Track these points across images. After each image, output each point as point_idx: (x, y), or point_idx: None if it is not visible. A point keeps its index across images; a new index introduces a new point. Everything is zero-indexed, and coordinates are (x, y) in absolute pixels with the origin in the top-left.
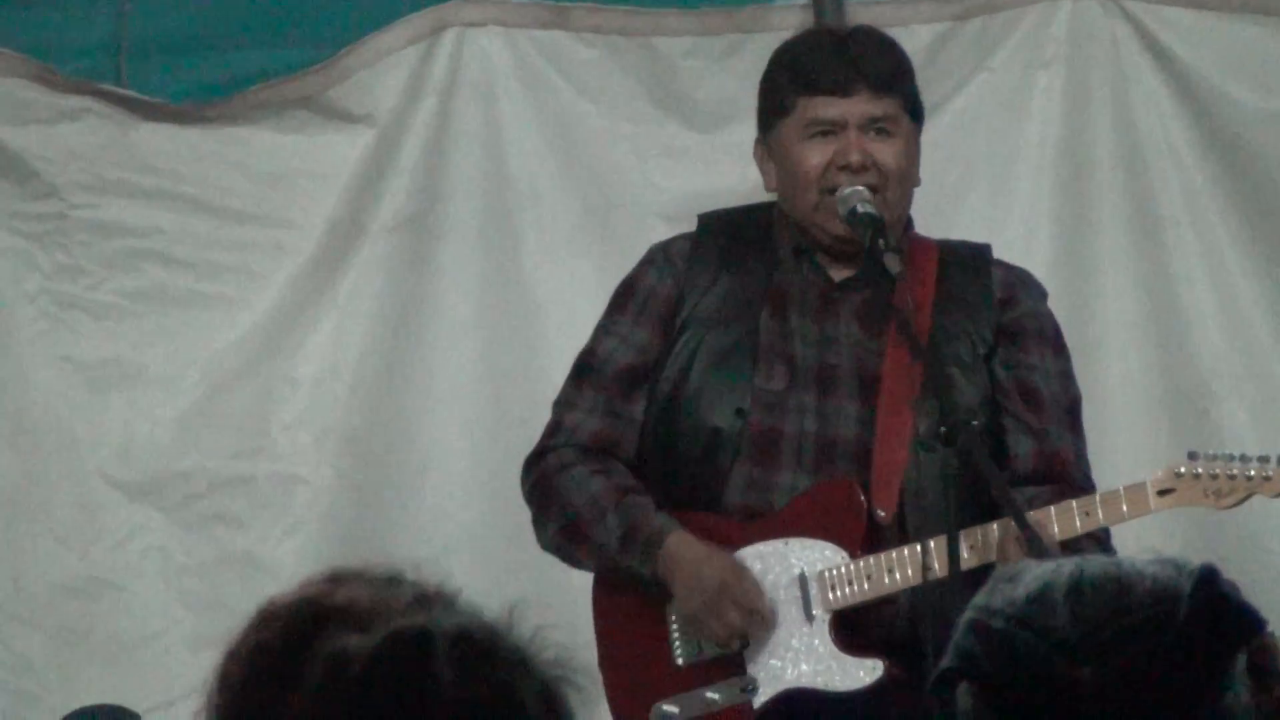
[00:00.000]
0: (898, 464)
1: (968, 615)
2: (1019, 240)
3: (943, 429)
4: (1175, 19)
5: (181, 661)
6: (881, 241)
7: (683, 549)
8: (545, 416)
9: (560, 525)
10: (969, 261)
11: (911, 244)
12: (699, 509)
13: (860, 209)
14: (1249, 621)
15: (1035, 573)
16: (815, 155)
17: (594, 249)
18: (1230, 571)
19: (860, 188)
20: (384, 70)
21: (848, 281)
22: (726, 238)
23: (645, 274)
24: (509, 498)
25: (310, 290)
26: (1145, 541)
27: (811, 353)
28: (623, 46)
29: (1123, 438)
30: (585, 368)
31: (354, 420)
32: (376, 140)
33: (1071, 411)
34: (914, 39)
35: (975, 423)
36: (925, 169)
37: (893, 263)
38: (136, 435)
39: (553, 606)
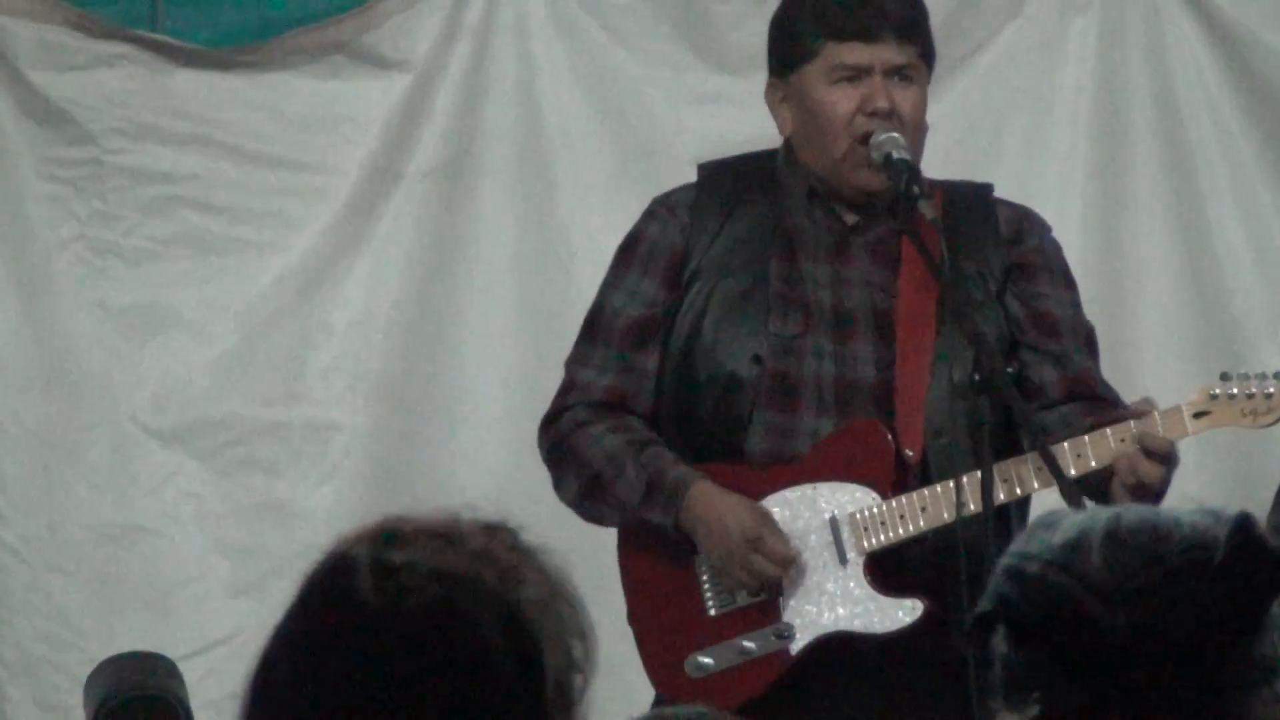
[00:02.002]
0: (919, 403)
1: (1004, 561)
2: (1054, 185)
3: (976, 376)
4: None
5: (217, 608)
6: (916, 188)
7: (707, 498)
8: None
9: (581, 483)
10: (973, 202)
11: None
12: (719, 458)
13: (895, 154)
14: None
15: (1073, 520)
16: (842, 100)
17: (629, 194)
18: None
19: (895, 135)
20: (419, 15)
21: (859, 224)
22: (728, 186)
23: (649, 227)
24: None
25: (345, 236)
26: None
27: (826, 296)
28: None
29: (1156, 379)
30: (594, 324)
31: (389, 366)
32: (412, 85)
33: (1089, 339)
34: None
35: (1011, 369)
36: (961, 114)
37: (927, 209)
38: (171, 381)
39: (586, 553)
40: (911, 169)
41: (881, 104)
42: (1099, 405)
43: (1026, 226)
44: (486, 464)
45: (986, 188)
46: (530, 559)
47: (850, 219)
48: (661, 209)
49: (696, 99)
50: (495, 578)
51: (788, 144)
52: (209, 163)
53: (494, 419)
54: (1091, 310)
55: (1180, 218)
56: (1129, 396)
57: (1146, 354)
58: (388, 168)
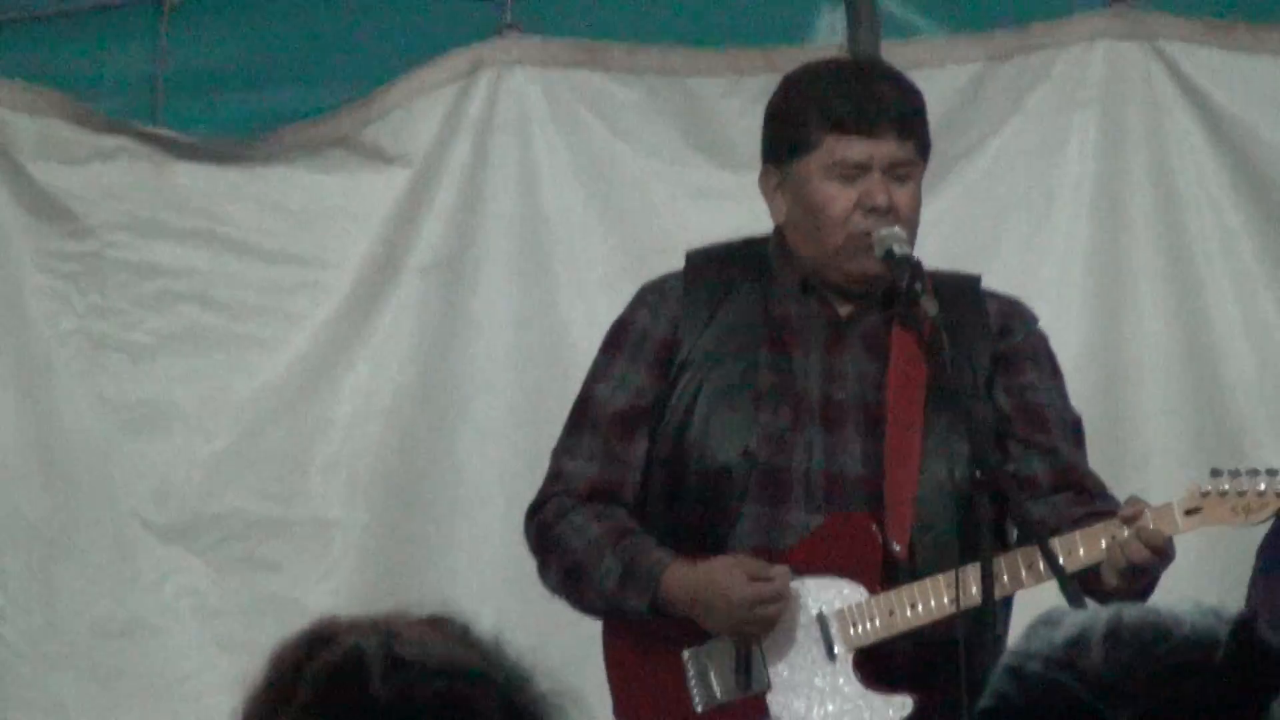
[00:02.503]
0: (908, 498)
1: (1005, 659)
2: (1055, 280)
3: (978, 473)
4: (1210, 60)
5: (216, 705)
6: (919, 285)
7: (685, 577)
8: None
9: (562, 570)
10: (962, 293)
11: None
12: (706, 552)
13: (898, 250)
14: None
15: (1074, 618)
16: (841, 196)
17: (629, 290)
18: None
19: (897, 229)
20: (420, 110)
21: (853, 314)
22: (717, 273)
23: (638, 315)
24: None
25: (346, 331)
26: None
27: (816, 387)
28: (658, 87)
29: (1155, 472)
30: (582, 413)
31: (389, 462)
32: (412, 180)
33: (1076, 429)
34: (950, 79)
35: (1011, 467)
36: (962, 208)
37: (930, 305)
38: (171, 477)
39: (586, 649)
40: (914, 265)
41: (880, 201)
42: (1087, 497)
43: (1014, 318)
44: (486, 559)
45: (974, 279)
46: (526, 658)
47: (844, 310)
48: (651, 296)
49: (698, 194)
50: (503, 674)
51: (779, 231)
52: (209, 257)
53: (494, 513)
54: (1091, 403)
55: (1180, 313)
56: (1128, 489)
57: (1146, 447)
58: (388, 262)
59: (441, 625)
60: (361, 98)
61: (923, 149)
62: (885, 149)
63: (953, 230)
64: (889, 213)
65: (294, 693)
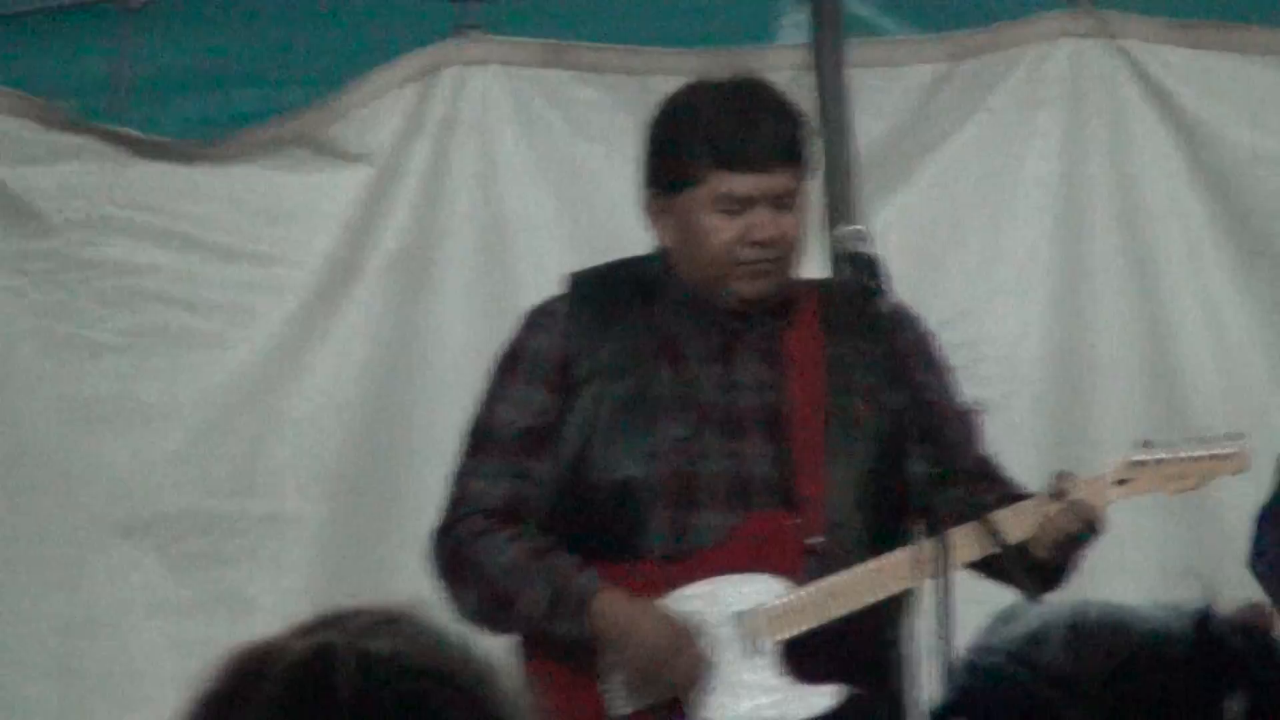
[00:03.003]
0: (819, 495)
1: (965, 653)
2: (1016, 278)
3: (932, 472)
4: (1173, 59)
5: (171, 701)
6: (875, 283)
7: (615, 609)
8: None
9: (482, 594)
10: (851, 296)
11: (797, 287)
12: (618, 560)
13: (857, 248)
14: (1247, 665)
15: (1034, 613)
16: (726, 229)
17: None
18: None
19: (857, 228)
20: (382, 109)
21: (744, 327)
22: (603, 293)
23: (531, 337)
24: None
25: (306, 329)
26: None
27: (717, 398)
28: (621, 85)
29: None
30: (483, 436)
31: (346, 459)
32: (374, 178)
33: (975, 423)
34: (913, 78)
35: (963, 467)
36: (924, 206)
37: (884, 304)
38: (130, 474)
39: None
40: (873, 263)
41: (767, 235)
42: (996, 482)
43: (903, 319)
44: None
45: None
46: (493, 655)
47: (734, 324)
48: (541, 319)
49: None
50: (471, 673)
51: (663, 253)
52: (171, 255)
53: None
54: (1051, 401)
55: (1140, 310)
56: None
57: (1106, 444)
58: (350, 260)
59: (410, 622)
60: (324, 98)
61: (805, 171)
62: (770, 182)
63: (915, 228)
64: (775, 244)
65: (256, 690)
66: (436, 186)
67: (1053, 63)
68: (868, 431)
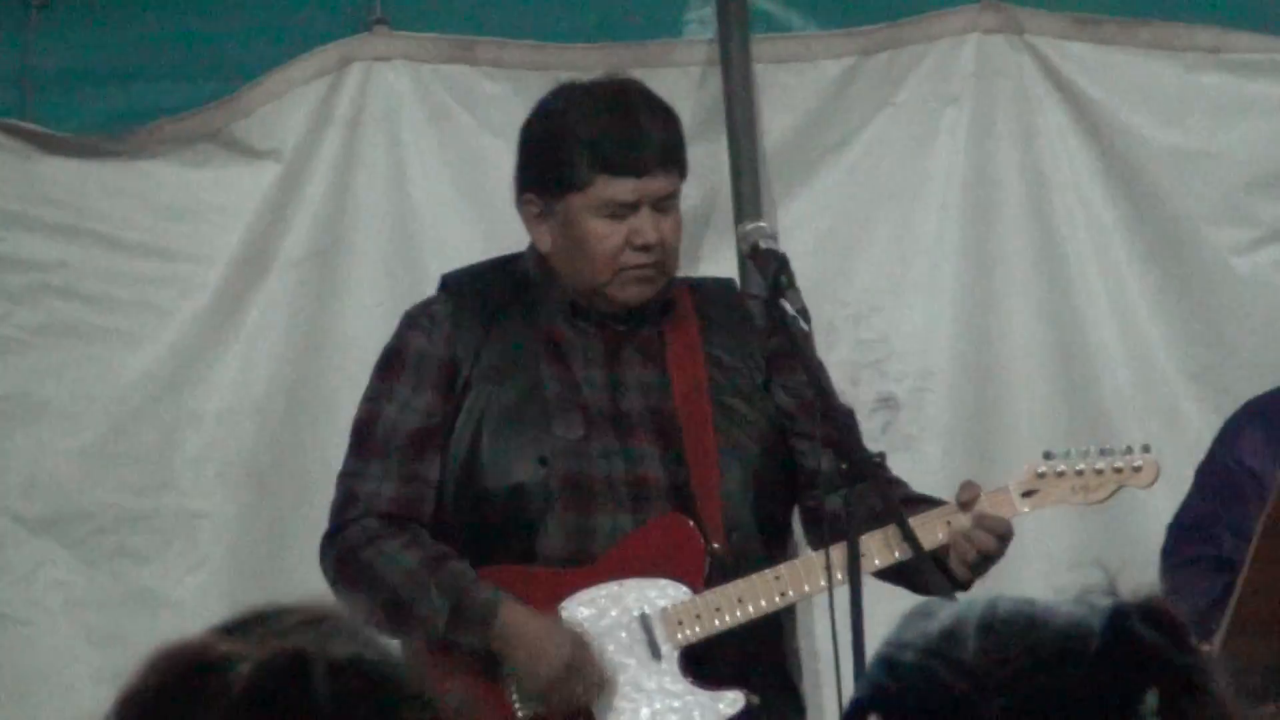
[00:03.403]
0: (716, 500)
1: (879, 649)
2: (925, 273)
3: (844, 465)
4: (1080, 54)
5: (85, 697)
6: (784, 277)
7: (518, 624)
8: None
9: (377, 604)
10: (724, 297)
11: (672, 291)
12: (509, 562)
13: (763, 244)
14: (1160, 660)
15: (948, 610)
16: (611, 234)
17: None
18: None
19: (763, 224)
20: (289, 104)
21: (626, 330)
22: (481, 295)
23: (413, 338)
24: None
25: (215, 325)
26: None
27: (603, 400)
28: (528, 81)
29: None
30: (368, 436)
31: (259, 455)
32: (282, 174)
33: (851, 419)
34: (820, 73)
35: (877, 456)
36: (832, 203)
37: (795, 299)
38: (40, 470)
39: None
40: (780, 259)
41: (650, 238)
42: (886, 483)
43: (776, 315)
44: None
45: (731, 282)
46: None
47: (617, 325)
48: (423, 318)
49: None
50: (416, 675)
51: (540, 254)
52: (77, 251)
53: None
54: (961, 394)
55: (1050, 304)
56: (998, 479)
57: (1016, 438)
58: (257, 256)
59: (346, 623)
60: (231, 93)
61: (683, 172)
62: (652, 185)
63: (824, 223)
64: (656, 246)
65: (214, 698)
66: (344, 182)
67: (960, 58)
68: (752, 431)
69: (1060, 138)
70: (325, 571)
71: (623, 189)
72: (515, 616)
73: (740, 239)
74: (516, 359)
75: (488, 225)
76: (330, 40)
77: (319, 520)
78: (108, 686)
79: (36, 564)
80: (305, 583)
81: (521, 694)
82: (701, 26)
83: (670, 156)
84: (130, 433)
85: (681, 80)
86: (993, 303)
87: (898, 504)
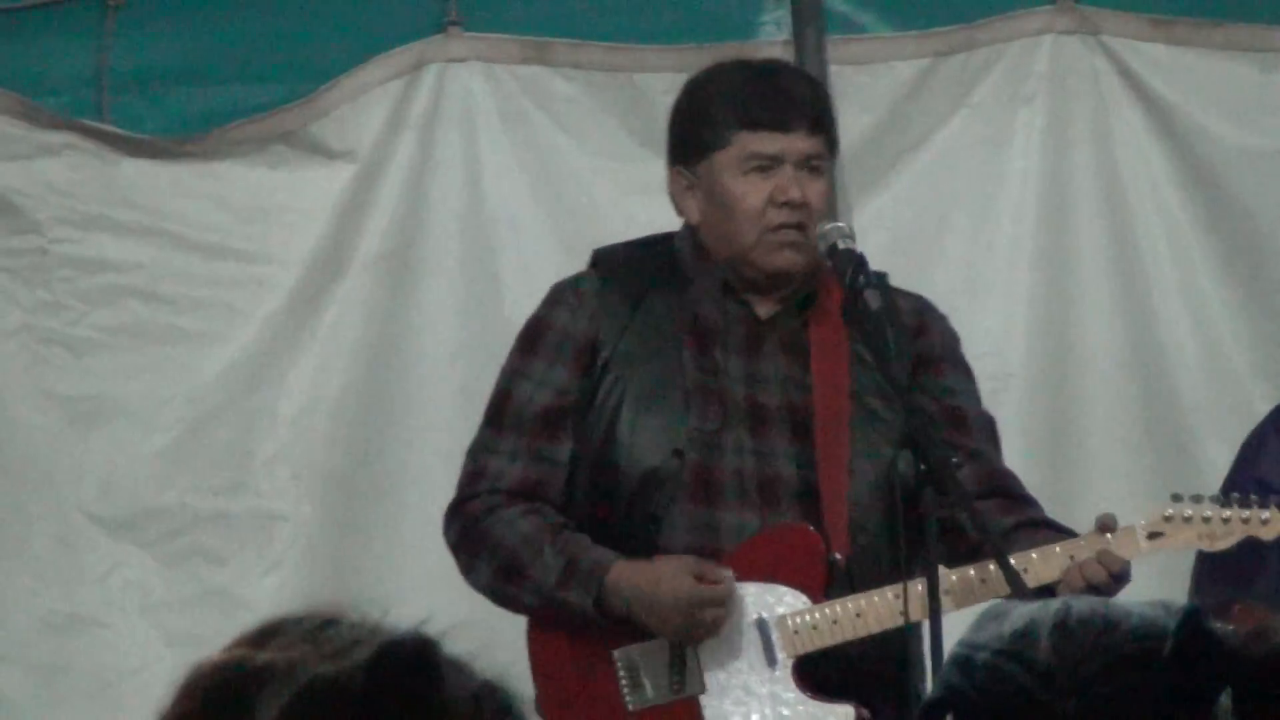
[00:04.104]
0: (843, 504)
1: (954, 650)
2: (1001, 274)
3: (923, 467)
4: (1155, 55)
5: (161, 698)
6: (862, 278)
7: (633, 569)
8: None
9: (495, 566)
10: (875, 289)
11: (822, 277)
12: (636, 552)
13: (841, 244)
14: (1233, 662)
15: (1022, 610)
16: (753, 191)
17: None
18: None
19: (841, 224)
20: (365, 106)
21: (773, 317)
22: (631, 273)
23: (556, 314)
24: None
25: (291, 326)
26: None
27: (741, 390)
28: (603, 82)
29: (1102, 473)
30: (501, 411)
31: (334, 456)
32: (357, 175)
33: (993, 431)
34: (896, 75)
35: (956, 459)
36: (907, 204)
37: (873, 299)
38: (117, 471)
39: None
40: (859, 259)
41: (794, 195)
42: (1016, 504)
43: (928, 316)
44: (431, 553)
45: (883, 276)
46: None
47: (763, 311)
48: (569, 294)
49: (641, 189)
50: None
51: (692, 232)
52: (154, 252)
53: (438, 507)
54: (1037, 396)
55: (1126, 307)
56: (1074, 481)
57: (1092, 447)
58: (333, 257)
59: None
60: (307, 95)
61: (831, 144)
62: (797, 143)
63: (898, 224)
64: (802, 206)
65: (348, 684)
66: (419, 183)
67: (1035, 59)
68: (889, 434)
69: (1135, 138)
70: (447, 539)
71: (764, 142)
72: (625, 569)
73: (819, 238)
74: (659, 342)
75: (562, 225)
76: (405, 42)
77: (393, 519)
78: None
79: (113, 565)
80: (380, 582)
81: (630, 679)
82: (777, 28)
83: (817, 119)
84: (206, 434)
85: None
86: (1068, 304)
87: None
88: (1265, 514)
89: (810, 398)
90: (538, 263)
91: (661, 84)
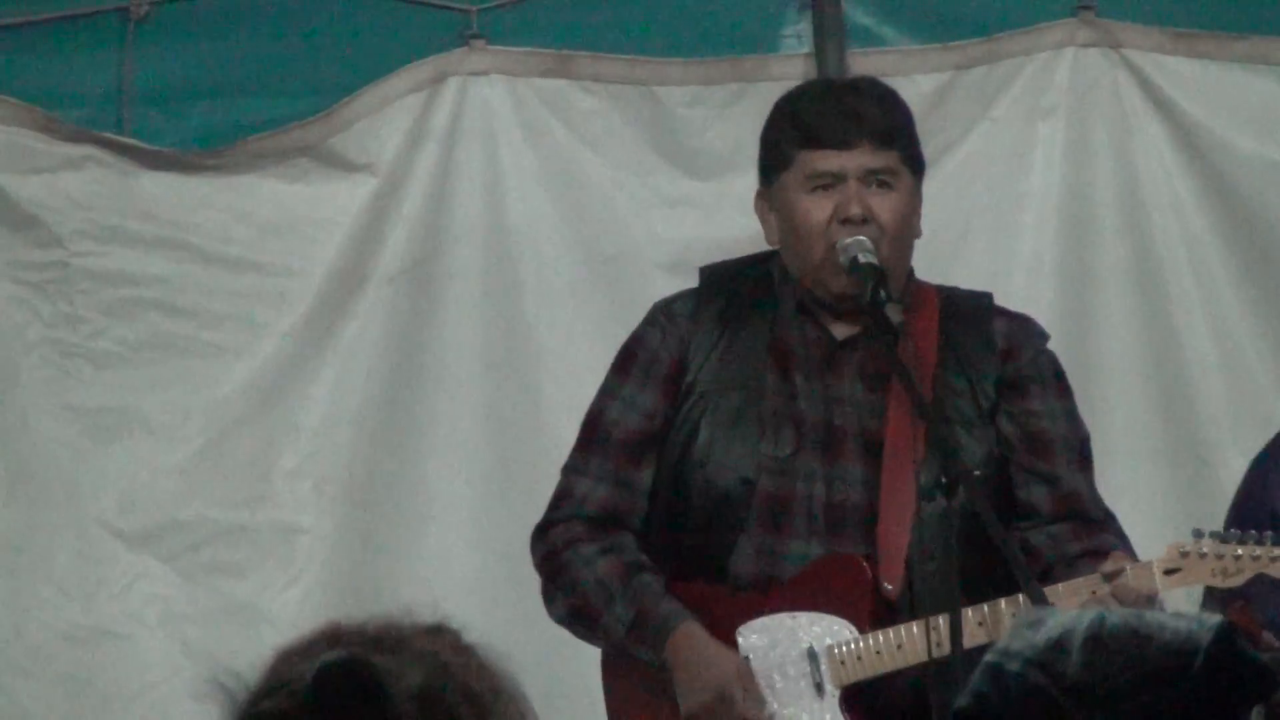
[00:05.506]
0: (902, 534)
1: (987, 658)
2: (1021, 290)
3: (944, 480)
4: (1176, 68)
5: (182, 711)
6: (883, 292)
7: (690, 645)
8: (546, 465)
9: (570, 605)
10: (970, 311)
11: (915, 294)
12: (704, 577)
13: (862, 258)
14: (1265, 678)
15: (1057, 619)
16: (817, 209)
17: (595, 297)
18: None
19: (862, 238)
20: (386, 119)
21: (850, 339)
22: (728, 293)
23: (649, 336)
24: (510, 547)
25: (312, 339)
26: None
27: (817, 413)
28: (625, 95)
29: (1124, 486)
30: (592, 431)
31: (355, 469)
32: (378, 189)
33: (1081, 450)
34: (915, 88)
35: (977, 472)
36: (927, 218)
37: (894, 313)
38: (138, 484)
39: (553, 656)
40: (877, 272)
41: (854, 210)
42: (1088, 527)
43: (1022, 338)
44: (452, 567)
45: (986, 296)
46: (472, 658)
47: (841, 333)
48: (662, 316)
49: (663, 203)
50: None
51: (778, 253)
52: (175, 266)
53: (460, 521)
54: None
55: (1147, 322)
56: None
57: (1114, 461)
58: (354, 270)
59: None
60: (327, 108)
61: (909, 160)
62: (859, 159)
63: (919, 238)
64: (865, 222)
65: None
66: (440, 196)
67: (1056, 72)
68: (967, 461)
69: (1156, 152)
70: (532, 557)
71: (824, 160)
72: (688, 638)
73: (840, 252)
74: (744, 365)
75: (583, 238)
76: (427, 55)
77: (415, 533)
78: (205, 700)
79: (134, 578)
80: (400, 596)
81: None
82: (798, 41)
83: (884, 134)
84: (227, 447)
85: (778, 94)
86: (1089, 317)
87: (1041, 554)
88: (1277, 551)
89: (885, 421)
90: (559, 275)
91: (683, 97)
